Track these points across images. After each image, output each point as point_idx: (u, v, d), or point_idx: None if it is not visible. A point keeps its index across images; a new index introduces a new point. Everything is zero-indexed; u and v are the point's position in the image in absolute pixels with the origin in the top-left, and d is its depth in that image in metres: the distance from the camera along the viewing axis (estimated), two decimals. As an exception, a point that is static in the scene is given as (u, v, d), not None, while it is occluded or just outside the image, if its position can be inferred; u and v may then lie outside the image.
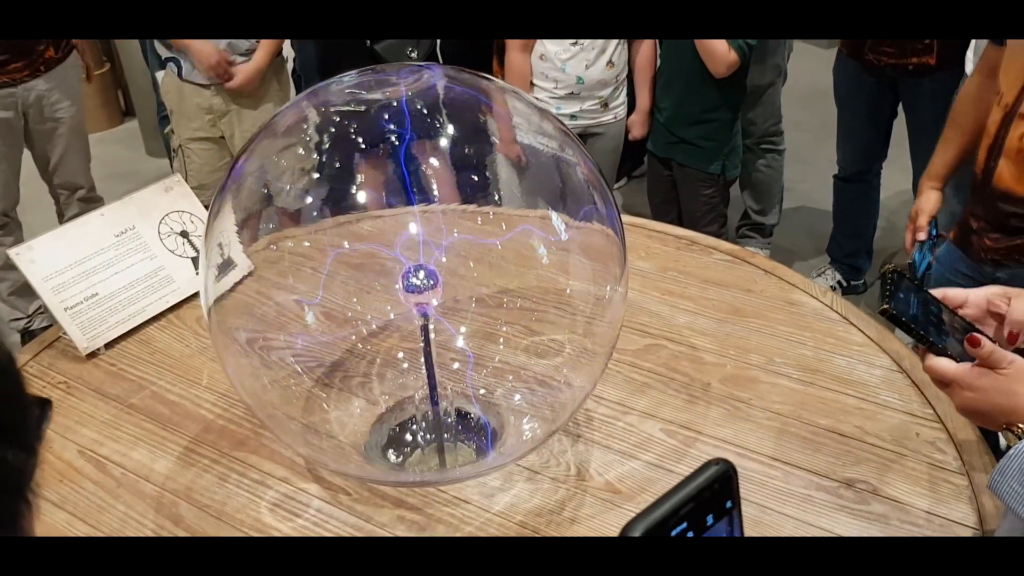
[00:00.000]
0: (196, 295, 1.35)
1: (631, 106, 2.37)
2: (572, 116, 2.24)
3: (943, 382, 0.83)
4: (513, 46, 2.23)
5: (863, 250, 2.65)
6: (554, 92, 2.23)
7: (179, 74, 2.29)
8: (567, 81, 2.22)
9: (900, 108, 2.39)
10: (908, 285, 0.86)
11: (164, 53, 2.31)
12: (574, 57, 2.19)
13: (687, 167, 2.33)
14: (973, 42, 1.92)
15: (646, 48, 2.29)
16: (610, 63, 2.22)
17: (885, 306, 0.82)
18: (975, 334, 0.82)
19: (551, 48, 2.20)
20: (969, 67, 1.91)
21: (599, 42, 2.18)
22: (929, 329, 0.83)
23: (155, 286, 1.34)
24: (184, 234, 1.39)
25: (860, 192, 2.54)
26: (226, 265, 1.04)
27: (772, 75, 2.57)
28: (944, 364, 0.82)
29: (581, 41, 2.17)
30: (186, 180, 2.24)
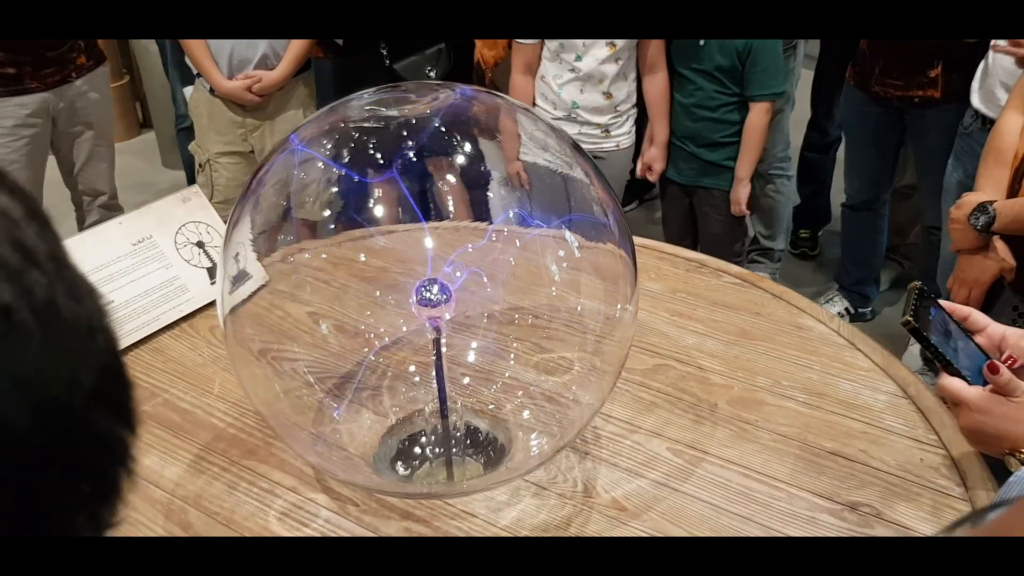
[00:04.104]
0: (210, 305, 1.37)
1: (639, 135, 2.37)
2: None
3: (954, 402, 0.86)
4: (517, 68, 2.26)
5: (871, 278, 2.66)
6: (553, 113, 2.26)
7: (211, 90, 2.32)
8: (563, 105, 2.24)
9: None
10: (931, 303, 0.89)
11: (195, 68, 2.34)
12: (569, 83, 2.21)
13: (715, 189, 2.35)
14: (978, 75, 1.94)
15: (659, 81, 2.26)
16: (607, 94, 2.23)
17: (908, 318, 0.85)
18: (995, 362, 0.85)
19: (550, 71, 2.23)
20: (975, 98, 1.93)
21: (595, 72, 2.19)
22: (946, 348, 0.86)
23: (170, 295, 1.36)
24: (200, 244, 1.41)
25: (868, 220, 2.56)
26: (241, 276, 1.06)
27: (780, 103, 2.60)
28: (959, 384, 0.85)
29: (578, 68, 2.19)
30: (212, 195, 2.29)
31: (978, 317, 0.92)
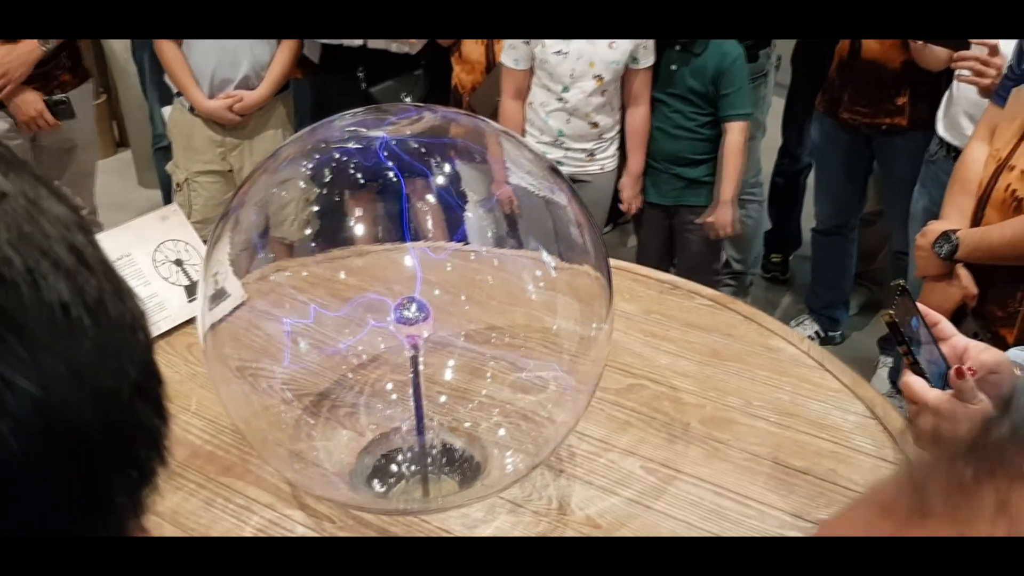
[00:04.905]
0: (187, 323, 1.37)
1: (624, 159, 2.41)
2: (558, 162, 2.28)
3: (915, 400, 0.89)
4: (507, 93, 2.28)
5: (840, 302, 2.70)
6: (540, 138, 2.29)
7: (191, 109, 2.33)
8: (549, 131, 2.28)
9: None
10: (911, 303, 0.93)
11: (175, 87, 2.35)
12: (555, 111, 2.25)
13: (697, 207, 2.38)
14: (943, 104, 2.00)
15: (640, 114, 2.30)
16: (593, 124, 2.26)
17: (890, 313, 0.89)
18: (962, 368, 0.89)
19: (538, 97, 2.26)
20: (940, 127, 1.99)
21: (581, 104, 2.23)
22: (917, 348, 0.90)
23: (147, 313, 1.36)
24: (178, 262, 1.42)
25: (837, 245, 2.60)
26: (220, 294, 1.07)
27: (752, 129, 2.65)
28: (923, 385, 0.89)
29: (566, 98, 2.22)
30: (190, 214, 2.30)
31: (945, 326, 0.96)
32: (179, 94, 2.34)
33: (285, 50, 2.34)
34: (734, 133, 2.27)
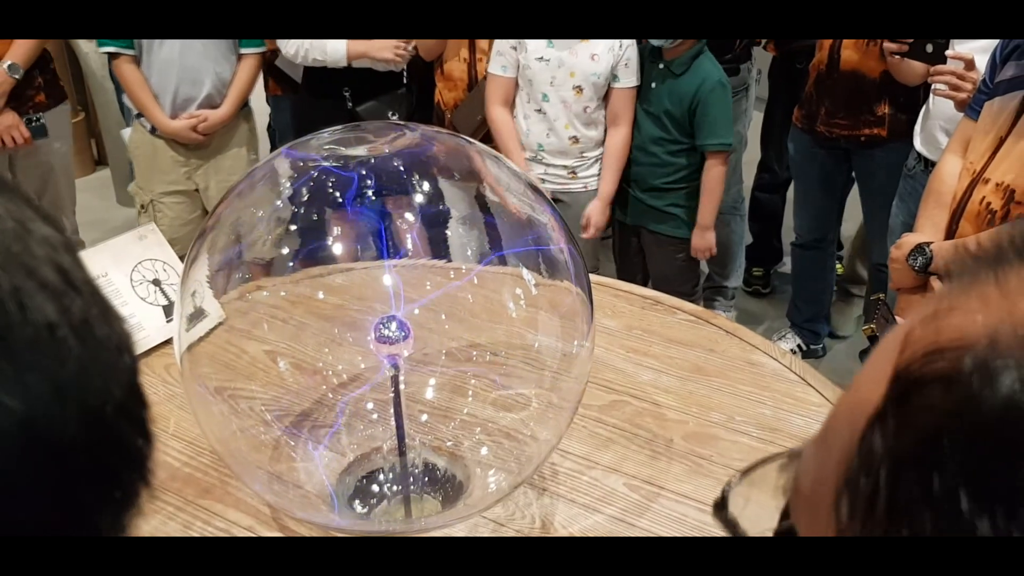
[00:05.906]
0: (165, 343, 1.35)
1: None
2: (539, 178, 2.28)
3: None
4: (494, 100, 2.27)
5: (821, 315, 2.72)
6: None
7: (152, 130, 2.32)
8: (530, 146, 2.27)
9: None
10: (890, 316, 0.94)
11: (136, 108, 2.34)
12: (535, 123, 2.24)
13: (659, 233, 2.37)
14: (920, 118, 2.01)
15: (618, 136, 2.25)
16: (573, 138, 2.24)
17: (871, 327, 0.90)
18: None
19: (519, 109, 2.26)
20: (917, 141, 2.00)
21: (562, 115, 2.22)
22: None
23: (134, 335, 1.34)
24: (156, 282, 1.40)
25: (817, 259, 2.62)
26: (198, 314, 1.05)
27: (734, 142, 2.66)
28: None
29: (545, 108, 2.22)
30: (156, 236, 2.28)
31: None
32: (139, 115, 2.33)
33: (247, 66, 2.34)
34: (714, 163, 2.23)
